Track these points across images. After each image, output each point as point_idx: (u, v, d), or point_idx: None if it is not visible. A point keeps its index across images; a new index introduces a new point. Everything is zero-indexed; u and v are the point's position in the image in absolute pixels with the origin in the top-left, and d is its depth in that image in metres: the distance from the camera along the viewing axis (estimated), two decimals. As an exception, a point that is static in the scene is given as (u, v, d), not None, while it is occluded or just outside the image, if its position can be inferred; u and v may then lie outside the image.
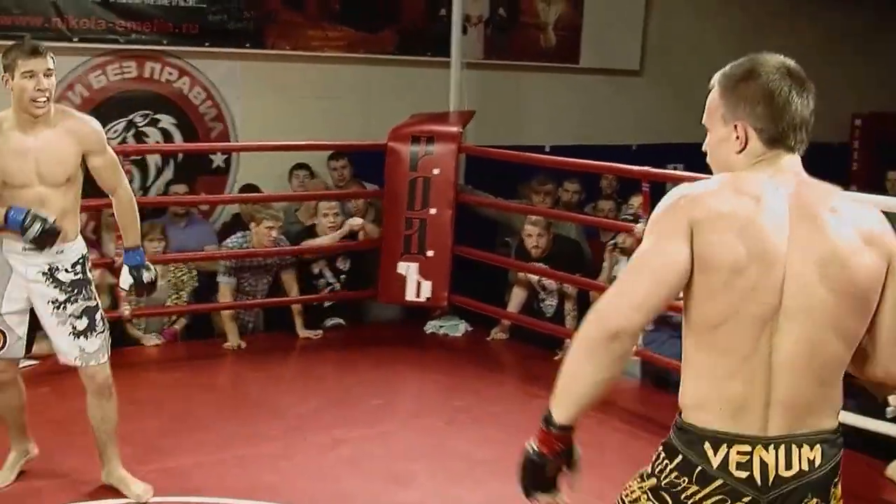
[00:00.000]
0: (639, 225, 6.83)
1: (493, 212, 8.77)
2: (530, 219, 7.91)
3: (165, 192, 8.82)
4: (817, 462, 2.55)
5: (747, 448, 2.53)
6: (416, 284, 8.03)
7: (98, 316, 5.00)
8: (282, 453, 5.75)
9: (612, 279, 7.40)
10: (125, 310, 7.53)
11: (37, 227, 4.73)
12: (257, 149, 8.86)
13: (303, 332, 8.04)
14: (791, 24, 11.46)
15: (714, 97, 2.68)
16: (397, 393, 7.13)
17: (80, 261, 4.97)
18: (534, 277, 7.92)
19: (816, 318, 2.51)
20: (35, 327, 5.07)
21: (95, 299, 5.02)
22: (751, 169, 2.60)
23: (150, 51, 8.81)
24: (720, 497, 2.55)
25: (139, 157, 8.57)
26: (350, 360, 7.61)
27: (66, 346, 4.96)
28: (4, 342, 5.02)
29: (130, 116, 8.79)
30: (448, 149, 8.09)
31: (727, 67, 2.69)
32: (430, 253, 8.02)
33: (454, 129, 8.22)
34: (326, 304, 8.40)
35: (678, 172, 7.71)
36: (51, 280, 4.89)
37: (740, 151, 2.61)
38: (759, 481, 2.52)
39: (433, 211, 8.02)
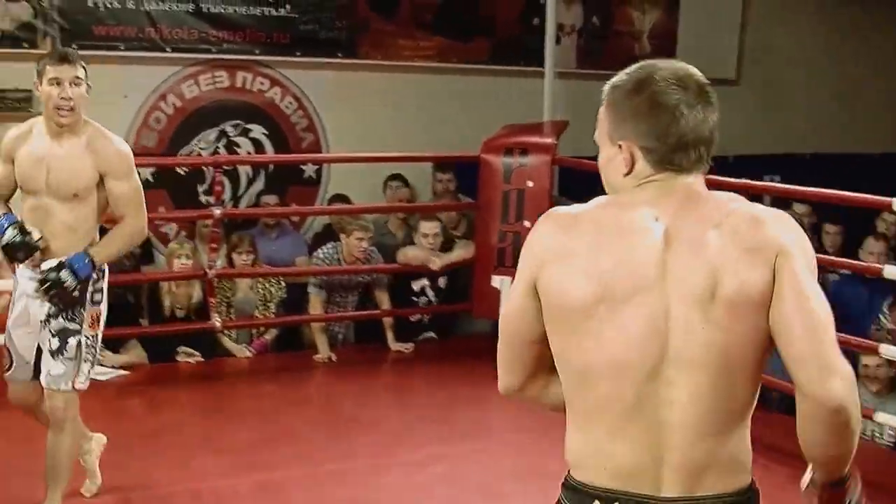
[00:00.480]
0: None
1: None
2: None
3: (256, 203, 8.81)
4: None
5: None
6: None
7: (74, 341, 4.69)
8: (374, 469, 5.70)
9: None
10: (216, 321, 7.54)
11: (12, 233, 4.64)
12: (349, 160, 8.82)
13: (394, 346, 7.98)
14: None
15: (601, 111, 2.37)
16: (491, 409, 6.99)
17: (80, 282, 4.70)
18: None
19: (708, 362, 2.20)
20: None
21: (80, 324, 4.72)
22: (633, 192, 2.31)
23: (241, 60, 8.82)
24: None
25: (230, 168, 8.55)
26: (442, 374, 7.52)
27: (42, 364, 4.74)
28: (11, 363, 4.87)
29: (222, 126, 8.80)
30: (542, 160, 7.97)
31: (617, 76, 2.36)
32: (524, 266, 7.86)
33: (548, 140, 8.09)
34: (418, 317, 8.33)
35: (776, 185, 7.54)
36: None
37: (627, 174, 2.30)
38: None
39: (527, 224, 7.84)
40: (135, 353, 7.46)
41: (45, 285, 4.60)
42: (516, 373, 2.39)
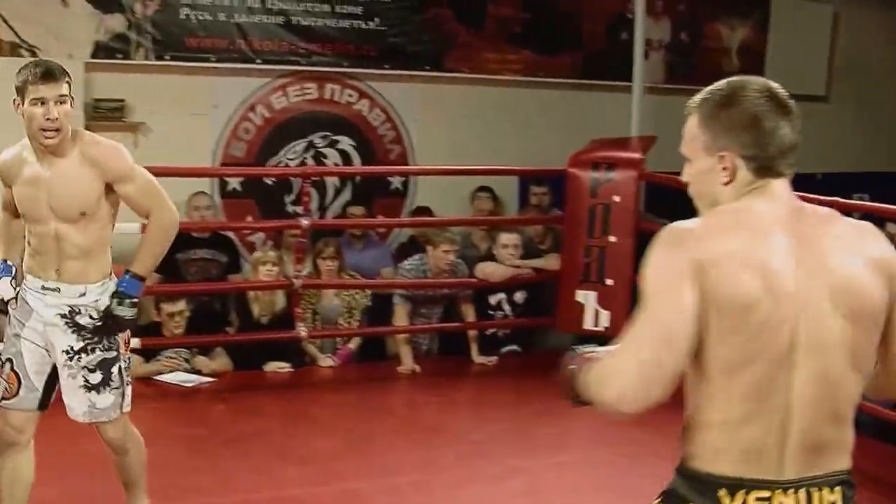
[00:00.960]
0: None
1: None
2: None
3: (343, 214, 8.88)
4: None
5: (766, 494, 2.38)
6: (594, 313, 7.92)
7: (116, 369, 4.41)
8: (457, 481, 5.71)
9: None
10: (301, 330, 7.60)
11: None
12: (435, 172, 8.84)
13: (478, 358, 8.01)
14: None
15: (692, 125, 2.49)
16: (573, 423, 6.90)
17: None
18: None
19: (833, 350, 2.37)
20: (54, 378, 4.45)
21: (117, 350, 4.42)
22: (742, 200, 2.44)
23: (330, 72, 8.90)
24: None
25: (318, 178, 8.63)
26: (525, 387, 7.50)
27: (75, 401, 4.40)
28: (18, 387, 4.42)
29: (310, 137, 8.89)
30: (629, 175, 7.96)
31: (704, 92, 2.50)
32: (609, 282, 7.90)
33: (635, 155, 8.09)
34: (501, 332, 8.33)
35: (866, 203, 7.44)
36: (70, 324, 4.35)
37: (727, 183, 2.44)
38: None
39: (613, 239, 7.88)
40: (221, 361, 7.55)
41: (107, 325, 4.35)
42: (662, 383, 2.35)
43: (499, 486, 5.64)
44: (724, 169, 2.43)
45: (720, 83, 2.48)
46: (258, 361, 7.69)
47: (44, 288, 4.36)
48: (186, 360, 7.39)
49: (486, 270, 8.09)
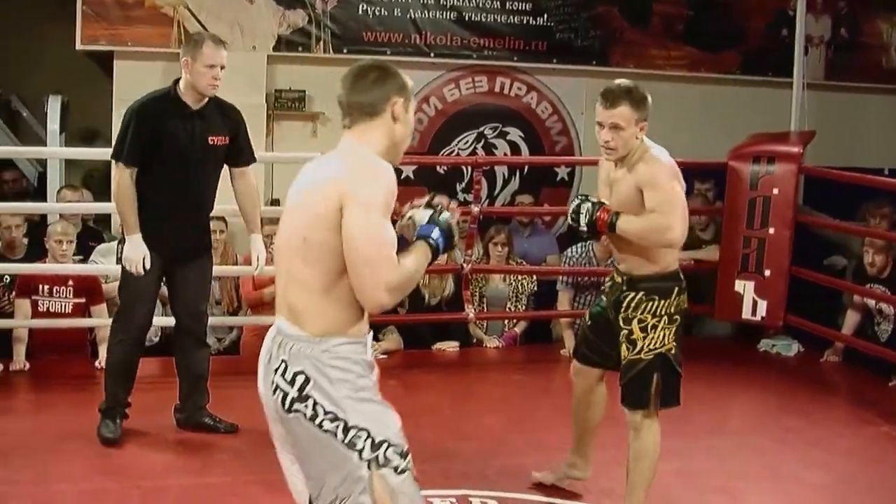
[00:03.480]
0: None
1: (831, 233, 8.67)
2: (867, 240, 7.80)
3: (511, 202, 9.20)
4: None
5: None
6: (752, 303, 8.07)
7: None
8: (615, 459, 5.86)
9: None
10: (469, 312, 7.96)
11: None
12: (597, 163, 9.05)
13: (636, 343, 8.20)
14: None
15: None
16: (728, 409, 7.16)
17: None
18: (871, 301, 7.80)
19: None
20: None
21: None
22: None
23: (501, 66, 9.21)
24: None
25: (488, 168, 8.94)
26: (683, 373, 7.69)
27: None
28: None
29: (481, 128, 9.22)
30: (788, 169, 8.07)
31: None
32: (767, 272, 8.03)
33: (795, 149, 8.18)
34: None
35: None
36: None
37: None
38: None
39: (772, 230, 8.00)
40: (393, 339, 7.95)
41: None
42: None
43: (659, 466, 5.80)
44: None
45: None
46: (428, 342, 8.06)
47: None
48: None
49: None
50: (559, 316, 8.26)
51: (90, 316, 7.37)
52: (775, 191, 8.06)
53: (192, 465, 5.59)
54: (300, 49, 8.79)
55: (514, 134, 9.36)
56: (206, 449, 5.81)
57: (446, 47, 9.11)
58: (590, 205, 4.89)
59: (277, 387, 3.29)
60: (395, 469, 3.32)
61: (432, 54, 9.08)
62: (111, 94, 8.67)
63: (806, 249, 8.44)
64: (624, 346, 4.81)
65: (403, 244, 3.32)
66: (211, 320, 7.76)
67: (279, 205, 8.36)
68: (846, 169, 8.64)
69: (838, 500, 5.36)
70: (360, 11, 8.89)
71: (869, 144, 10.13)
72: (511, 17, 9.17)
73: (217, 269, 7.88)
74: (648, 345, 4.75)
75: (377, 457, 3.29)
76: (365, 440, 3.28)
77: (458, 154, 9.26)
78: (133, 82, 8.11)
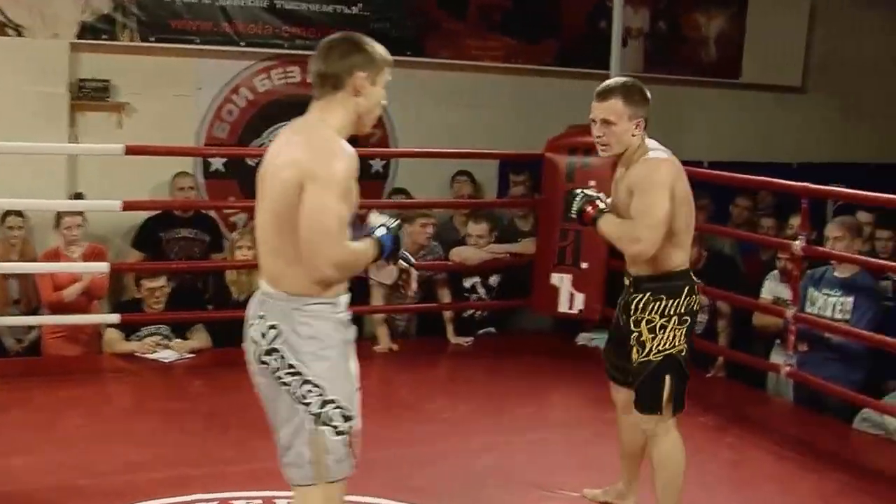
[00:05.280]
0: (796, 242, 6.73)
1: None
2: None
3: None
4: None
5: None
6: (569, 296, 8.00)
7: None
8: (429, 457, 5.77)
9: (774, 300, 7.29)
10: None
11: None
12: (415, 155, 8.94)
13: (454, 339, 8.10)
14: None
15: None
16: (546, 402, 7.10)
17: None
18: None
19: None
20: None
21: None
22: None
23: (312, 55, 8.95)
24: None
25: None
26: (500, 367, 7.63)
27: None
28: None
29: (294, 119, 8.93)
30: (605, 161, 7.97)
31: None
32: (584, 265, 7.98)
33: (612, 140, 8.11)
34: (478, 314, 8.45)
35: (839, 189, 7.53)
36: None
37: None
38: None
39: (588, 223, 7.94)
40: (200, 337, 7.64)
41: None
42: None
43: (470, 462, 5.70)
44: None
45: None
46: (237, 339, 7.72)
47: None
48: (166, 337, 7.47)
49: (463, 255, 8.19)
50: (372, 311, 7.99)
51: None
52: (592, 183, 7.88)
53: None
54: (104, 37, 8.39)
55: (326, 126, 9.10)
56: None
57: (257, 36, 8.82)
58: (581, 195, 4.83)
59: (253, 340, 3.64)
60: (335, 429, 3.55)
61: (243, 43, 8.78)
62: None
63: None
64: (635, 350, 4.70)
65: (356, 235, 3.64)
66: (9, 320, 7.41)
67: (83, 198, 7.99)
68: (665, 161, 8.58)
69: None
70: (169, -1, 8.56)
71: (688, 137, 10.15)
72: (324, 5, 8.94)
73: (16, 266, 7.53)
74: (657, 346, 4.64)
75: (321, 413, 3.53)
76: (317, 396, 3.53)
77: (267, 146, 8.90)
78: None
